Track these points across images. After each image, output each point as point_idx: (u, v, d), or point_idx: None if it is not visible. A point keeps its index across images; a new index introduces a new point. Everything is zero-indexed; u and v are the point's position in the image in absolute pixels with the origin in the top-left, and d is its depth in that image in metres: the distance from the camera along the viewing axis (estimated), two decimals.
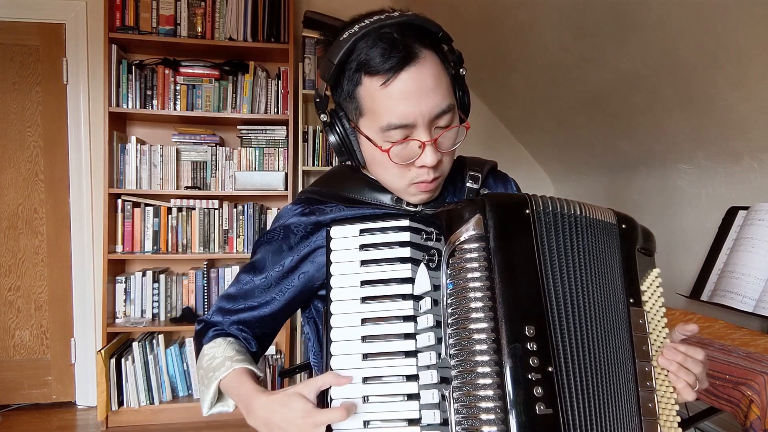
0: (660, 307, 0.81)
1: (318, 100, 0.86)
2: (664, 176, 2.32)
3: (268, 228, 0.95)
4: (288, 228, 0.91)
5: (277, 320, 0.95)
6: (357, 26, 0.78)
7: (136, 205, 2.91)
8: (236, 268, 2.97)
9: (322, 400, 0.72)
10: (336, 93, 0.85)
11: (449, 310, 0.70)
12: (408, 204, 0.89)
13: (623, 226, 0.82)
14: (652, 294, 0.81)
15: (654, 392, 0.76)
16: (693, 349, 0.79)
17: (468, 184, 0.95)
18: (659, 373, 0.77)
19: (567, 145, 2.98)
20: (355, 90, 0.80)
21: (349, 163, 0.90)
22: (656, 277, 0.83)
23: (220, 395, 0.88)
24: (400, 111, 0.77)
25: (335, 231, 0.77)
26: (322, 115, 0.86)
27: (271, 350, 3.11)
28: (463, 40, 2.72)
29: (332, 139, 0.85)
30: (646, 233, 0.85)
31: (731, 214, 1.86)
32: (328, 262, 0.76)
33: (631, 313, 0.78)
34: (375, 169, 0.87)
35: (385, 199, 0.89)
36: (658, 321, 0.81)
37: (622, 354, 0.75)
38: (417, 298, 0.73)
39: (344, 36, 0.79)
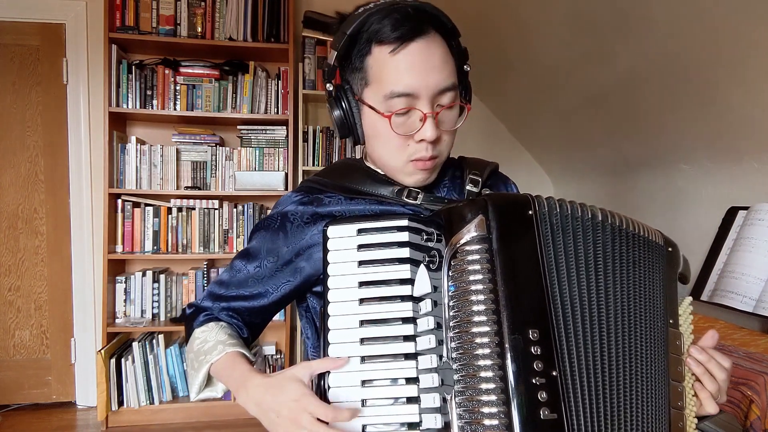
0: (690, 334, 0.80)
1: (327, 69, 0.87)
2: (665, 176, 2.32)
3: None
4: (285, 216, 0.90)
5: (269, 313, 0.95)
6: (373, 3, 0.81)
7: (136, 205, 2.91)
8: None
9: (319, 391, 0.72)
10: (343, 66, 0.86)
11: (451, 313, 0.69)
12: (408, 196, 0.87)
13: (669, 249, 0.82)
14: (684, 321, 0.81)
15: (684, 412, 0.75)
16: (720, 354, 0.78)
17: (468, 187, 0.94)
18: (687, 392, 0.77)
19: (567, 145, 2.98)
20: (363, 60, 0.82)
21: (350, 157, 0.90)
22: (689, 305, 0.82)
23: (208, 380, 0.88)
24: (405, 80, 0.78)
25: (332, 230, 0.76)
26: (328, 85, 0.87)
27: (271, 350, 3.11)
28: (464, 38, 2.72)
29: (336, 113, 0.86)
30: (685, 261, 0.85)
31: (731, 214, 1.85)
32: (325, 262, 0.75)
33: (670, 333, 0.77)
34: (374, 143, 0.87)
35: (386, 191, 0.89)
36: (686, 347, 0.80)
37: (653, 370, 0.74)
38: (417, 300, 0.72)
39: (359, 11, 0.81)
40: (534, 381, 0.64)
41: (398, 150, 0.84)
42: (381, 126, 0.82)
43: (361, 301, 0.73)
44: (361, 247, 0.75)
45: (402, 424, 0.68)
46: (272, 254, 0.90)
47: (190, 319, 0.95)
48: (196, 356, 0.86)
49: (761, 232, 1.68)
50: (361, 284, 0.73)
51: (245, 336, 0.93)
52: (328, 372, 0.71)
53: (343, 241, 0.75)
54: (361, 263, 0.74)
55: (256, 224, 0.95)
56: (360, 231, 0.75)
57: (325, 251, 0.75)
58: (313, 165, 3.01)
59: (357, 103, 0.85)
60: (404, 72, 0.78)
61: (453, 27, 0.84)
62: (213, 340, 0.86)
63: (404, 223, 0.74)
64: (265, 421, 0.72)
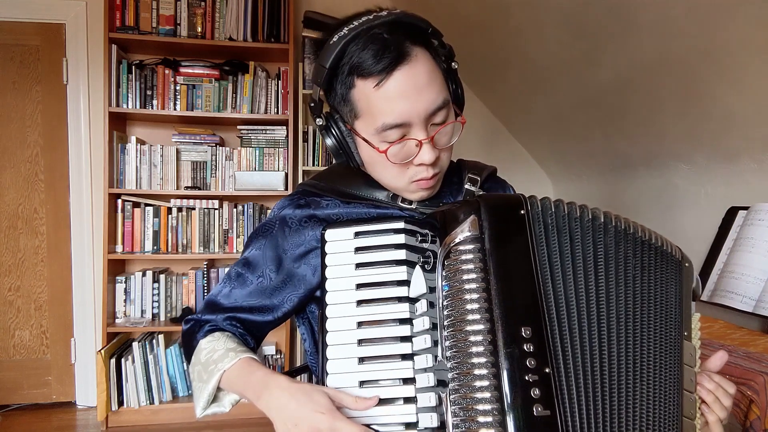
0: (698, 348, 0.81)
1: (312, 104, 0.86)
2: (664, 176, 2.32)
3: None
4: (283, 219, 0.90)
5: (273, 326, 0.93)
6: (346, 28, 0.78)
7: (136, 205, 2.91)
8: None
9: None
10: (330, 96, 0.84)
11: (445, 312, 0.70)
12: (403, 201, 0.88)
13: (686, 264, 0.83)
14: (694, 335, 0.81)
15: (695, 422, 0.76)
16: (726, 381, 0.79)
17: (466, 186, 0.95)
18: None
19: (566, 145, 2.98)
20: (348, 93, 0.80)
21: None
22: (697, 321, 0.83)
23: (215, 397, 0.85)
24: (395, 111, 0.77)
25: (330, 234, 0.76)
26: (317, 119, 0.85)
27: (271, 350, 3.11)
28: (462, 39, 2.72)
29: (329, 142, 0.85)
30: (698, 278, 0.86)
31: (731, 214, 1.85)
32: (323, 265, 0.75)
33: (684, 345, 0.78)
34: (374, 169, 0.87)
35: (381, 195, 0.89)
36: (698, 362, 0.81)
37: (664, 376, 0.74)
38: (413, 301, 0.72)
39: (334, 39, 0.78)
40: (527, 378, 0.64)
41: (398, 175, 0.84)
42: (377, 157, 0.81)
43: (359, 302, 0.73)
44: (358, 249, 0.75)
45: (399, 424, 0.68)
46: (273, 262, 0.89)
47: (190, 333, 0.90)
48: (204, 367, 0.83)
49: (761, 232, 1.67)
50: (359, 286, 0.74)
51: (251, 346, 0.91)
52: (327, 373, 0.72)
53: (340, 244, 0.76)
54: (358, 265, 0.75)
55: (253, 231, 0.93)
56: (357, 234, 0.76)
57: (323, 254, 0.76)
58: (313, 165, 3.01)
59: (350, 132, 0.84)
60: (393, 103, 0.76)
61: (433, 30, 0.81)
62: (222, 349, 0.83)
63: (400, 225, 0.75)
64: (280, 428, 0.69)
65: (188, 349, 0.91)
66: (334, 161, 0.89)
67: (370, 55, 0.76)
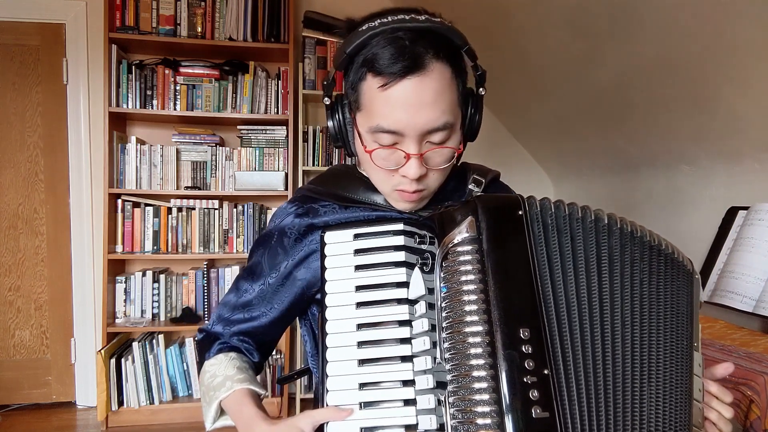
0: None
1: (326, 83, 0.85)
2: (665, 176, 2.32)
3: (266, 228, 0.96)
4: (282, 230, 0.91)
5: (278, 328, 0.95)
6: (378, 21, 0.76)
7: (136, 205, 2.92)
8: (236, 269, 2.97)
9: (317, 396, 0.73)
10: (345, 80, 0.84)
11: (443, 314, 0.69)
12: None
13: (696, 276, 0.82)
14: (698, 347, 0.81)
15: None
16: (724, 391, 0.79)
17: (470, 186, 0.94)
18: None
19: (567, 145, 2.97)
20: (358, 83, 0.79)
21: (347, 163, 0.90)
22: (699, 332, 0.82)
23: (222, 411, 0.88)
24: (392, 117, 0.75)
25: (329, 236, 0.76)
26: (326, 99, 0.85)
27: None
28: None
29: (330, 124, 0.85)
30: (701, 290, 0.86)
31: (731, 214, 1.85)
32: (323, 268, 0.75)
33: (694, 356, 0.78)
34: (363, 165, 0.87)
35: (379, 199, 0.89)
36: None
37: (673, 383, 0.73)
38: (412, 302, 0.72)
39: (363, 27, 0.77)
40: (525, 380, 0.64)
41: (384, 179, 0.83)
42: (365, 155, 0.81)
43: (358, 305, 0.73)
44: (357, 251, 0.75)
45: (399, 426, 0.68)
46: (274, 269, 0.91)
47: (201, 347, 0.94)
48: (206, 390, 0.87)
49: (761, 232, 1.67)
50: (358, 288, 0.73)
51: (256, 360, 0.93)
52: (327, 375, 0.72)
53: (340, 246, 0.76)
54: (357, 268, 0.74)
55: (255, 240, 0.95)
56: (356, 236, 0.76)
57: (323, 257, 0.76)
58: (313, 165, 3.01)
59: (351, 120, 0.84)
60: (392, 109, 0.75)
61: (469, 49, 0.80)
62: (222, 375, 0.85)
63: (399, 227, 0.75)
64: None
65: (199, 363, 0.95)
66: (335, 162, 0.90)
67: (386, 55, 0.74)
